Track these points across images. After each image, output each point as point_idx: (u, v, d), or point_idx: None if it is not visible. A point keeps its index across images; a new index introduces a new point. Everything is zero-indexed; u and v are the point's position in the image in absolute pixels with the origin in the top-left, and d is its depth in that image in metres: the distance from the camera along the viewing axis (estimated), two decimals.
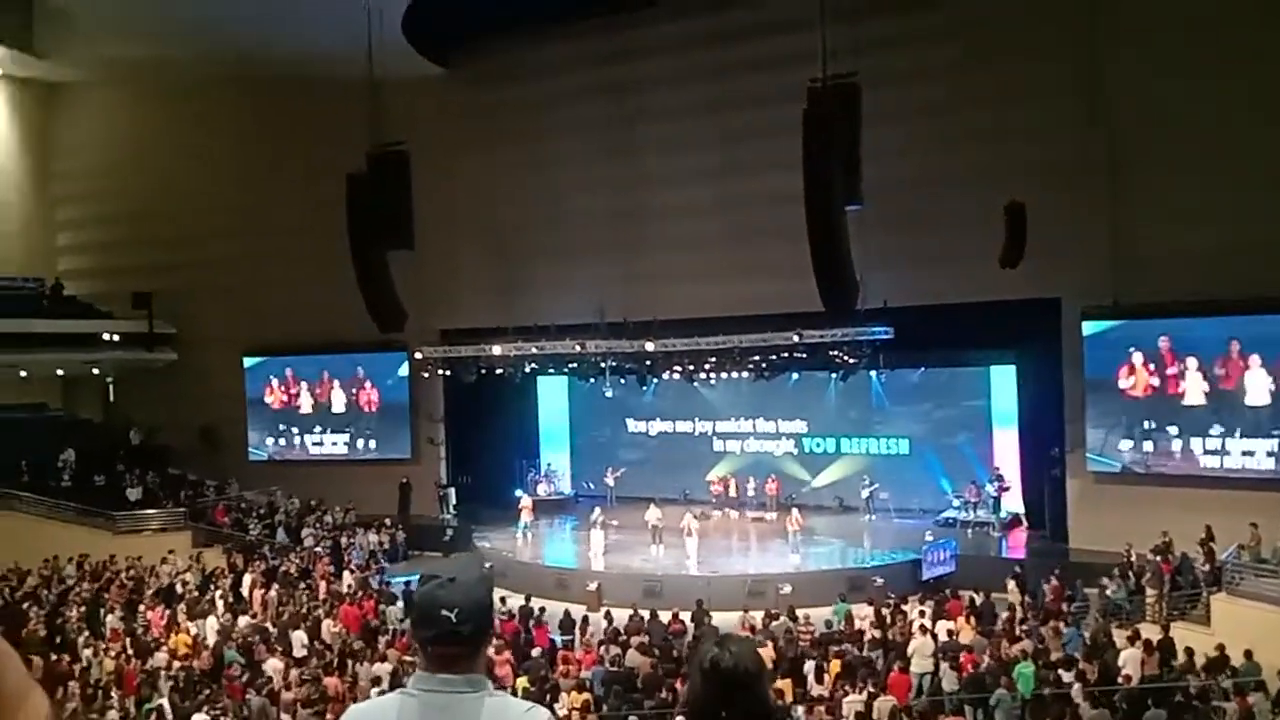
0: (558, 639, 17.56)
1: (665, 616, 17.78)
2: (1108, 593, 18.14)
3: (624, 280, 25.60)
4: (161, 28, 25.71)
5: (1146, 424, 21.13)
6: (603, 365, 24.34)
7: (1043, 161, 21.04)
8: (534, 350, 24.53)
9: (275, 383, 31.01)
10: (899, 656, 15.09)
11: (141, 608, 19.90)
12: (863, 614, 17.60)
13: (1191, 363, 20.60)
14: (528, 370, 26.09)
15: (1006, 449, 25.07)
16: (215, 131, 30.82)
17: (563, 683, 14.40)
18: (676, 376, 24.94)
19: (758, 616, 17.54)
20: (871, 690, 13.38)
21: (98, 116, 33.36)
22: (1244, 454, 20.07)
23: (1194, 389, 20.60)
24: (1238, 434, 20.11)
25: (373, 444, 29.99)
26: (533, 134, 27.21)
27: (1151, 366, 21.05)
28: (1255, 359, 19.88)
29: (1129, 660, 14.35)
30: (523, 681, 14.17)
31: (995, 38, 21.95)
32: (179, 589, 21.28)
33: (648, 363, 24.06)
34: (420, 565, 25.63)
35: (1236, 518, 17.92)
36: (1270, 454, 19.75)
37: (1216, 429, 20.33)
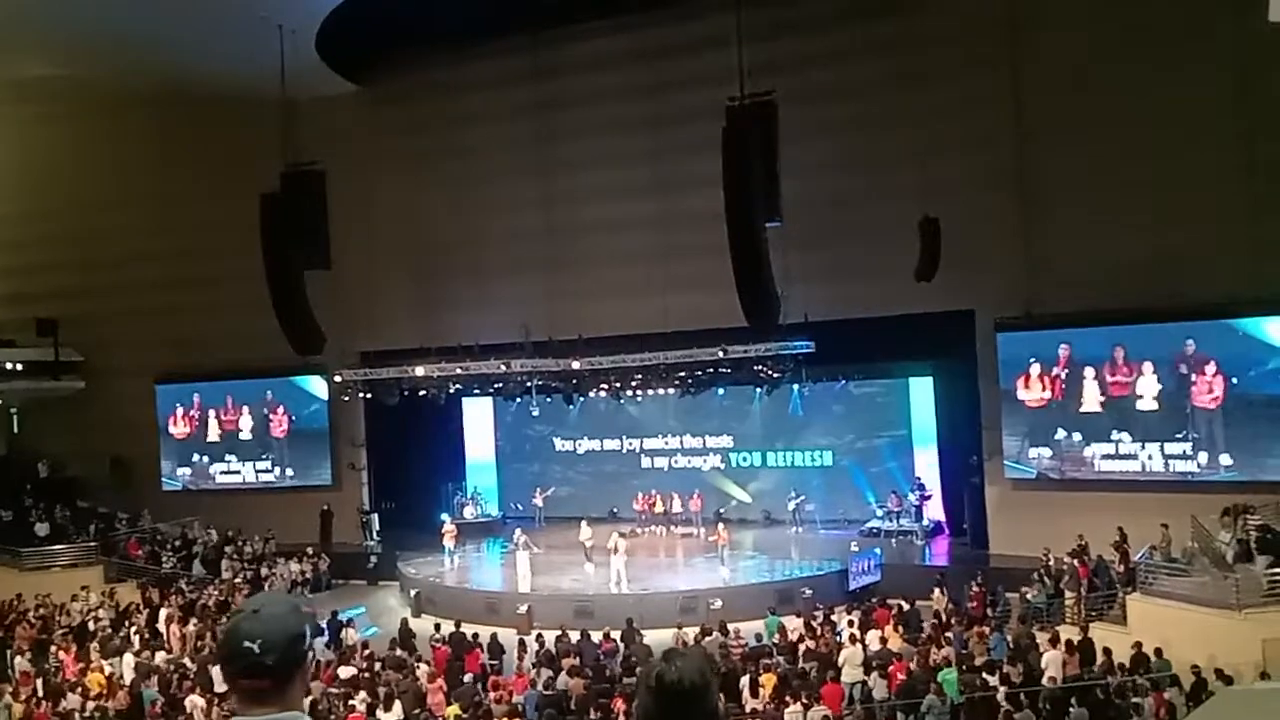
0: (487, 664, 17.32)
1: (597, 636, 17.67)
2: (1028, 596, 18.57)
3: (548, 298, 25.49)
4: (70, 47, 24.93)
5: (1057, 431, 21.73)
6: (528, 384, 24.18)
7: (957, 176, 21.58)
8: (458, 371, 24.26)
9: (180, 410, 30.13)
10: (830, 667, 15.22)
11: (53, 648, 19.11)
12: (793, 626, 17.70)
13: (1088, 370, 21.27)
14: (452, 391, 25.80)
15: (927, 458, 25.57)
16: (125, 152, 29.95)
17: (495, 708, 14.20)
18: (603, 394, 24.91)
19: (691, 633, 17.53)
20: (805, 702, 13.47)
21: (2, 137, 32.17)
22: (1149, 458, 20.78)
23: (1089, 395, 21.27)
24: (1142, 439, 20.80)
25: (290, 471, 29.30)
26: (453, 151, 26.99)
27: (1048, 375, 21.64)
28: (1147, 365, 20.63)
29: (1051, 662, 14.71)
30: (454, 710, 13.95)
31: (911, 56, 22.44)
32: (91, 626, 20.50)
33: (573, 381, 23.98)
34: (345, 595, 25.16)
35: (1148, 519, 18.50)
36: (1174, 456, 20.46)
37: (1118, 434, 20.99)
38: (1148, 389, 20.67)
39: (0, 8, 22.76)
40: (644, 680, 2.22)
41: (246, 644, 2.14)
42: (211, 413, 29.92)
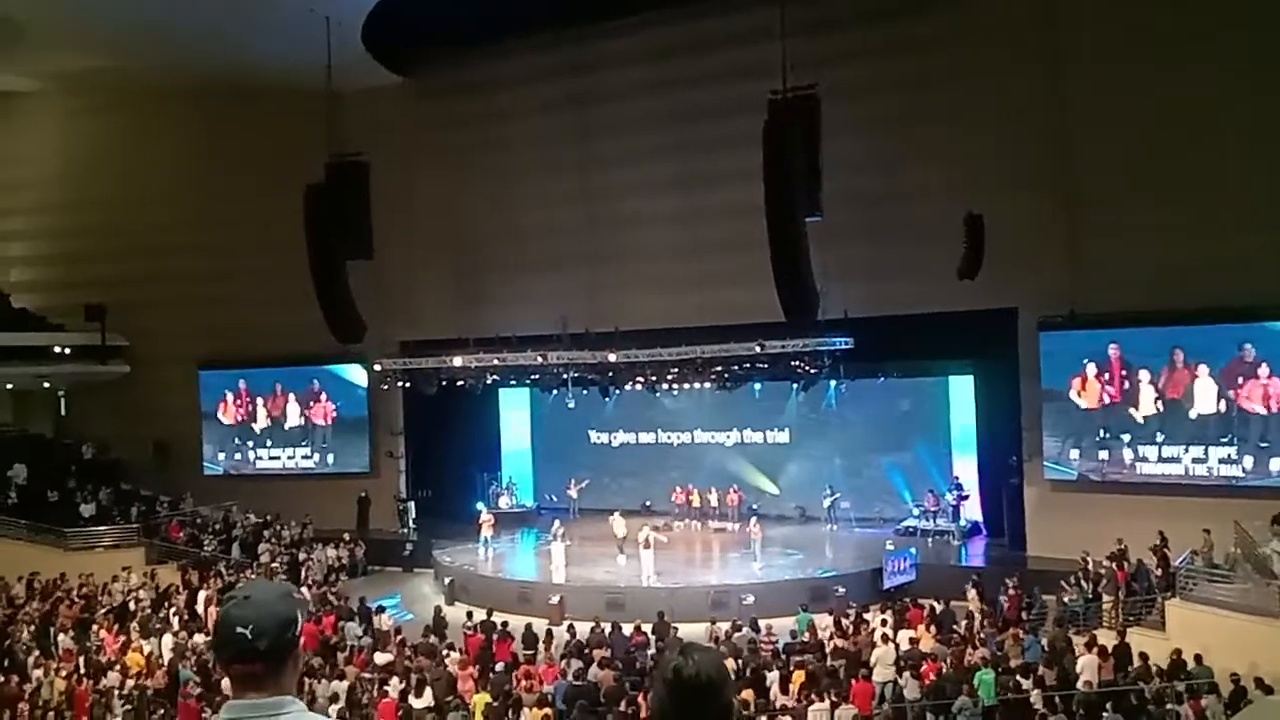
0: (519, 653, 17.43)
1: (628, 629, 17.71)
2: (1065, 599, 18.35)
3: (586, 291, 25.57)
4: (116, 38, 25.34)
5: (1101, 433, 21.42)
6: (565, 376, 24.27)
7: (1001, 173, 21.34)
8: (495, 362, 24.39)
9: (230, 397, 30.55)
10: (861, 665, 15.15)
11: (94, 626, 19.50)
12: (824, 624, 17.64)
13: (1144, 374, 20.92)
14: (489, 382, 25.95)
15: (965, 458, 25.32)
16: (171, 142, 30.42)
17: (525, 697, 14.29)
18: (639, 387, 24.92)
19: (724, 627, 17.53)
20: (834, 699, 13.42)
21: (51, 127, 32.78)
22: (1194, 461, 20.42)
23: (1145, 398, 20.93)
24: (1188, 442, 20.46)
25: (330, 458, 29.63)
26: (493, 145, 27.12)
27: (1105, 376, 21.34)
28: (1203, 369, 20.24)
29: (1086, 666, 14.53)
30: (485, 697, 14.05)
31: (954, 51, 22.23)
32: (132, 607, 20.88)
33: (610, 374, 24.02)
34: (380, 581, 25.42)
35: (1189, 524, 18.20)
36: (1221, 461, 20.10)
37: (1167, 437, 20.66)
38: (1204, 393, 20.28)
39: (53, 2, 23.21)
40: (661, 673, 2.23)
41: (239, 630, 2.17)
42: (260, 400, 30.27)
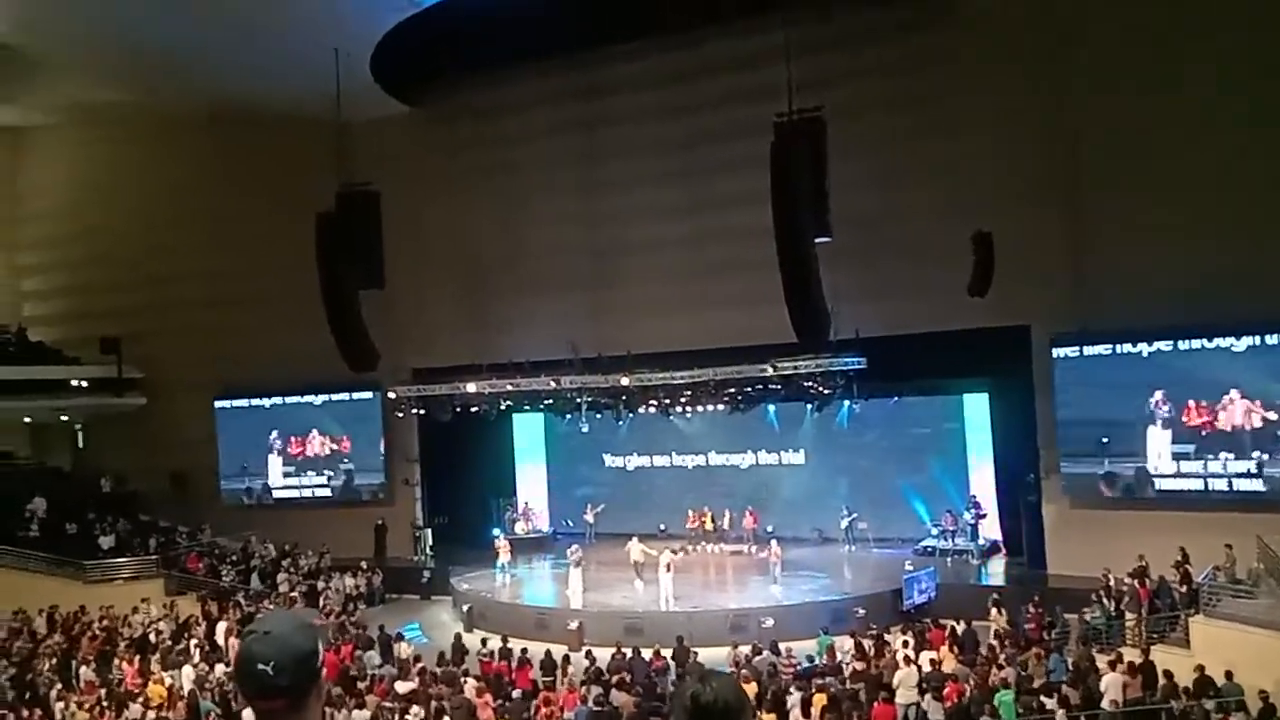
0: (539, 679, 17.36)
1: (647, 654, 17.62)
2: (1088, 618, 18.18)
3: (597, 315, 25.64)
4: (129, 71, 25.70)
5: (1120, 448, 21.24)
6: (578, 401, 24.29)
7: (1010, 190, 21.35)
8: (508, 387, 24.45)
9: (276, 434, 30.46)
10: (883, 688, 15.03)
11: (115, 659, 19.53)
12: (845, 646, 17.51)
13: (1162, 388, 20.78)
14: (503, 407, 25.98)
15: (982, 476, 25.20)
16: (183, 172, 30.72)
17: None
18: (652, 411, 24.91)
19: (744, 651, 17.42)
20: None
21: (65, 159, 33.18)
22: (1215, 476, 20.25)
23: (1164, 413, 20.78)
24: (1209, 457, 20.29)
25: (346, 486, 29.64)
26: (503, 170, 27.30)
27: (1121, 392, 21.18)
28: (1219, 381, 20.09)
29: (1111, 685, 14.38)
30: None
31: (958, 68, 22.30)
32: (152, 638, 20.91)
33: (623, 397, 24.03)
34: (398, 609, 25.38)
35: (1210, 540, 18.05)
36: (1245, 474, 19.92)
37: (1190, 452, 20.49)
38: (1234, 408, 20.11)
39: (66, 33, 23.55)
40: (679, 699, 2.24)
41: (260, 666, 2.16)
42: (303, 435, 30.23)
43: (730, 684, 2.20)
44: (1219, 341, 20.13)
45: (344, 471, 29.71)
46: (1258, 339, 19.82)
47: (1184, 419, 20.60)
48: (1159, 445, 20.87)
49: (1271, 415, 19.61)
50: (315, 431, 30.01)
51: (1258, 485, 19.79)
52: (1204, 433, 20.38)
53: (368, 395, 28.55)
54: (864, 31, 22.98)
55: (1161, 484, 20.84)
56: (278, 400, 30.29)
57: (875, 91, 22.50)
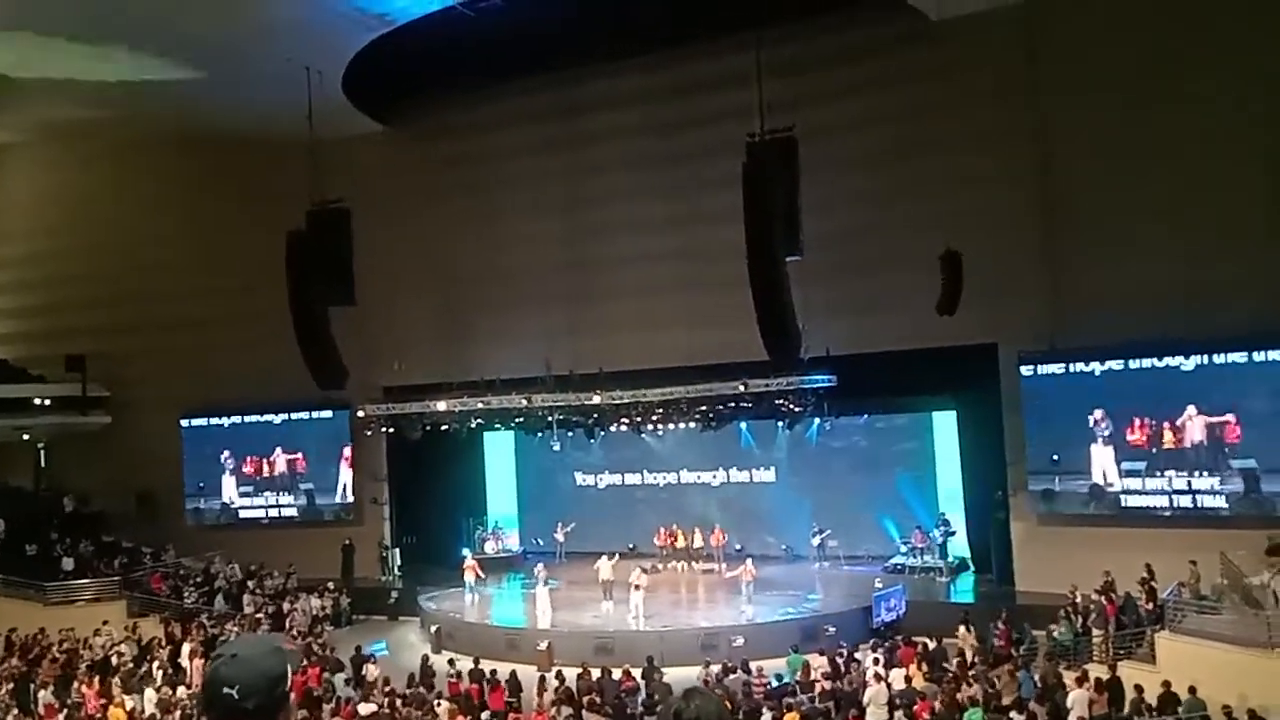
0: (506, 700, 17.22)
1: (617, 674, 17.54)
2: (1055, 634, 18.30)
3: (570, 333, 25.63)
4: (99, 90, 25.45)
5: (1089, 465, 21.46)
6: (549, 419, 24.23)
7: (979, 209, 21.57)
8: (479, 405, 24.35)
9: (227, 454, 30.13)
10: (853, 706, 15.04)
11: (75, 683, 19.16)
12: (816, 664, 17.52)
13: (1128, 405, 21.03)
14: (473, 426, 25.86)
15: (951, 493, 25.35)
16: (155, 191, 30.49)
17: None
18: (624, 429, 24.89)
19: (715, 670, 17.38)
20: None
21: (35, 177, 32.83)
22: (1177, 492, 20.49)
23: (1131, 430, 21.02)
24: (1173, 474, 20.53)
25: (312, 505, 29.34)
26: (475, 189, 27.28)
27: (1086, 410, 21.42)
28: (1191, 401, 20.35)
29: (1077, 701, 14.48)
30: None
31: (931, 89, 22.54)
32: (114, 661, 20.55)
33: (594, 415, 24.00)
34: (366, 630, 25.11)
35: (1175, 556, 18.25)
36: (1209, 491, 20.17)
37: (1154, 469, 20.74)
38: (1186, 423, 20.40)
39: (36, 52, 23.30)
40: (662, 717, 2.24)
41: (225, 690, 2.14)
42: (263, 455, 29.90)
43: (713, 702, 2.21)
44: (1183, 359, 20.38)
45: (304, 491, 29.40)
46: (1221, 355, 20.09)
47: (1127, 435, 20.85)
48: (1104, 462, 21.09)
49: (1232, 433, 19.88)
50: (279, 450, 29.69)
51: (1220, 502, 20.03)
52: (1153, 450, 20.64)
53: (327, 414, 28.31)
54: (838, 52, 23.20)
55: (1127, 500, 21.05)
56: (244, 418, 29.95)
57: (848, 111, 22.71)
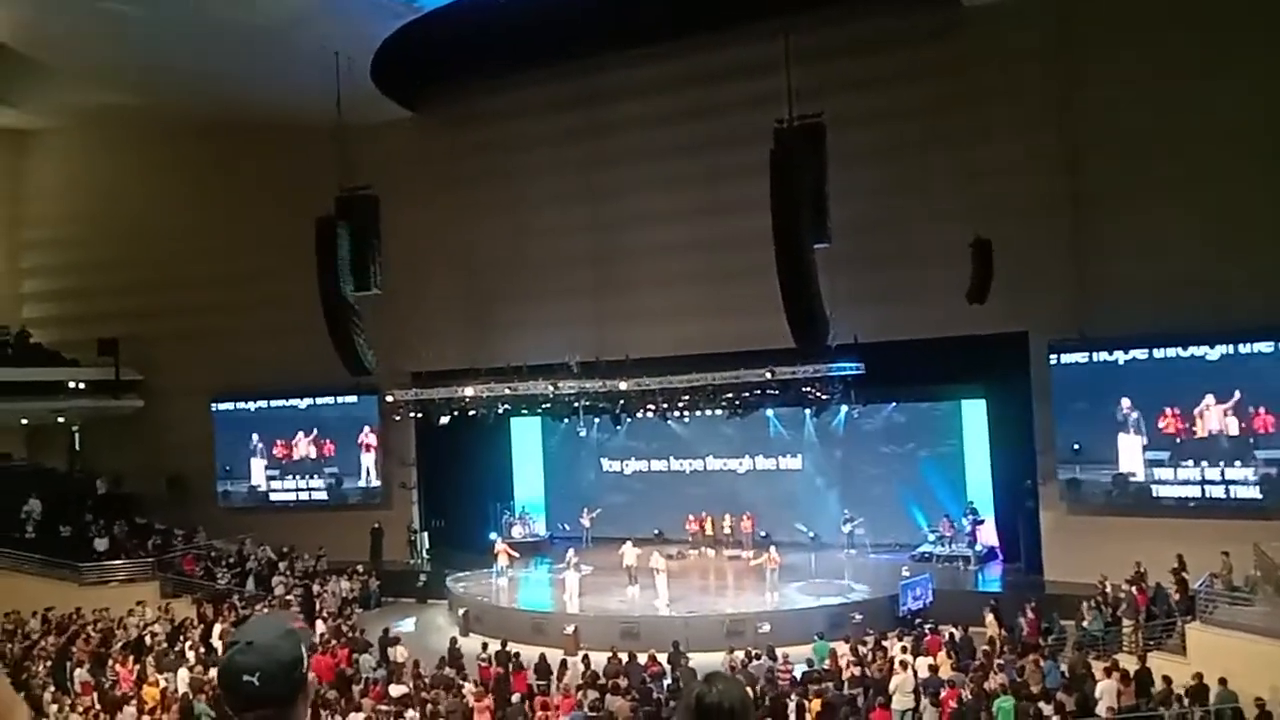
0: (534, 684, 17.35)
1: (643, 658, 17.61)
2: (1084, 624, 18.18)
3: (596, 320, 25.66)
4: (132, 76, 25.70)
5: (1118, 454, 21.28)
6: (576, 405, 24.29)
7: (1009, 197, 21.39)
8: (506, 391, 24.43)
9: (258, 438, 30.44)
10: (879, 693, 15.03)
11: (110, 661, 19.49)
12: (842, 651, 17.51)
13: (1159, 394, 20.81)
14: (500, 411, 25.96)
15: (980, 482, 25.19)
16: (185, 177, 30.73)
17: None
18: (650, 415, 24.91)
19: (739, 656, 17.41)
20: None
21: (67, 163, 33.17)
22: (1210, 483, 20.27)
23: (1161, 419, 20.81)
24: (1205, 463, 20.32)
25: (355, 486, 29.61)
26: (503, 176, 27.33)
27: (1114, 399, 21.22)
28: (1221, 391, 20.11)
29: (1106, 691, 14.38)
30: None
31: (959, 78, 22.32)
32: (148, 640, 20.87)
33: (621, 402, 24.03)
34: (394, 612, 25.35)
35: (1208, 547, 18.08)
36: (1242, 482, 19.94)
37: (1185, 459, 20.54)
38: (1217, 413, 20.18)
39: (70, 39, 23.56)
40: (684, 700, 2.25)
41: (245, 678, 2.16)
42: (290, 439, 30.19)
43: (735, 687, 2.22)
44: (1217, 349, 20.14)
45: (329, 475, 29.66)
46: (1250, 345, 19.84)
47: (1158, 423, 20.64)
48: (1157, 452, 20.87)
49: (1270, 421, 19.63)
50: (302, 435, 29.94)
51: (1254, 493, 19.80)
52: (1179, 440, 20.44)
53: (352, 399, 28.56)
54: (868, 40, 22.99)
55: (1158, 490, 20.86)
56: (270, 403, 30.22)
57: (877, 99, 22.54)
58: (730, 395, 23.13)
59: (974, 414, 25.55)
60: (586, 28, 23.50)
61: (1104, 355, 21.35)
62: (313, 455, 29.92)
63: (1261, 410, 19.68)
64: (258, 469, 30.46)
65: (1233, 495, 20.02)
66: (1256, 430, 19.73)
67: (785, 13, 19.58)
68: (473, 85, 27.00)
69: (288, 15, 21.58)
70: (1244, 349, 19.89)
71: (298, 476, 30.12)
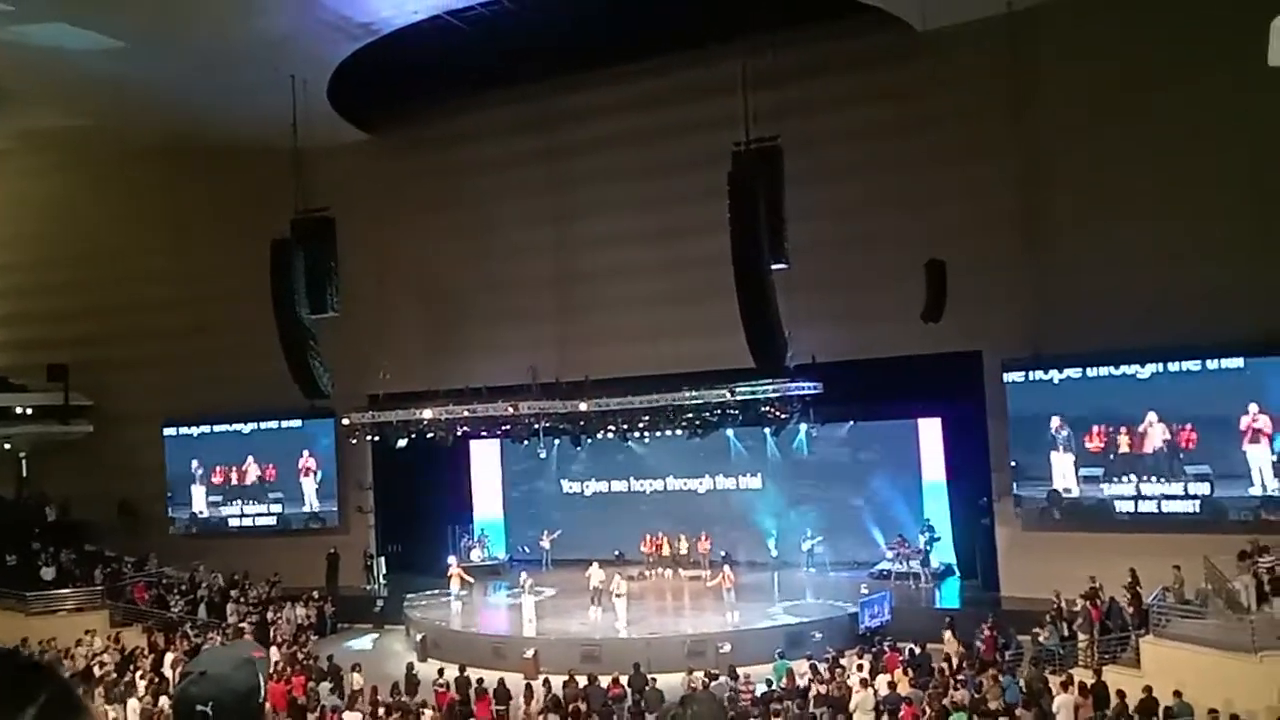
0: (494, 709, 17.18)
1: (605, 681, 17.52)
2: (1040, 639, 18.39)
3: (556, 341, 25.61)
4: (86, 99, 25.34)
5: (1069, 471, 21.60)
6: (536, 427, 24.20)
7: (964, 217, 21.71)
8: (465, 413, 24.29)
9: (196, 463, 30.02)
10: (840, 711, 15.07)
11: None
12: (802, 670, 17.54)
13: (1098, 412, 21.17)
14: (459, 434, 25.76)
15: (937, 499, 25.44)
16: (137, 200, 30.31)
17: None
18: (610, 436, 24.87)
19: (699, 676, 17.37)
20: None
21: (15, 186, 32.58)
22: (1164, 498, 20.62)
23: (1088, 439, 21.19)
24: (1153, 479, 20.68)
25: (297, 513, 29.21)
26: (462, 198, 27.25)
27: (1068, 417, 21.56)
28: (1161, 405, 20.50)
29: (1063, 706, 14.56)
30: None
31: (915, 100, 22.65)
32: (96, 671, 20.38)
33: (581, 423, 23.97)
34: (350, 638, 25.00)
35: (1159, 561, 18.37)
36: (1186, 497, 20.31)
37: (1132, 475, 20.90)
38: (1157, 431, 20.57)
39: (20, 60, 23.19)
40: None
41: (199, 708, 2.11)
42: (238, 464, 29.78)
43: (711, 708, 2.23)
44: (1168, 366, 20.55)
45: (273, 500, 29.27)
46: (1202, 361, 20.26)
47: (1126, 441, 21.00)
48: (1106, 468, 21.21)
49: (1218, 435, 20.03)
50: (250, 459, 29.55)
51: (1192, 507, 20.16)
52: (1111, 456, 20.85)
53: (296, 423, 28.31)
54: (824, 63, 23.24)
55: (1110, 506, 21.18)
56: (213, 428, 29.77)
57: (834, 122, 22.77)
58: (690, 415, 23.16)
59: (930, 432, 25.83)
60: (546, 50, 23.57)
61: (1056, 373, 21.67)
62: (260, 480, 29.51)
63: (1188, 427, 20.09)
64: (199, 495, 29.98)
65: (1183, 510, 20.32)
66: (1181, 446, 20.13)
67: (743, 36, 19.81)
68: (431, 108, 26.93)
69: (244, 38, 21.43)
70: (1197, 364, 20.27)
71: (245, 502, 29.67)
